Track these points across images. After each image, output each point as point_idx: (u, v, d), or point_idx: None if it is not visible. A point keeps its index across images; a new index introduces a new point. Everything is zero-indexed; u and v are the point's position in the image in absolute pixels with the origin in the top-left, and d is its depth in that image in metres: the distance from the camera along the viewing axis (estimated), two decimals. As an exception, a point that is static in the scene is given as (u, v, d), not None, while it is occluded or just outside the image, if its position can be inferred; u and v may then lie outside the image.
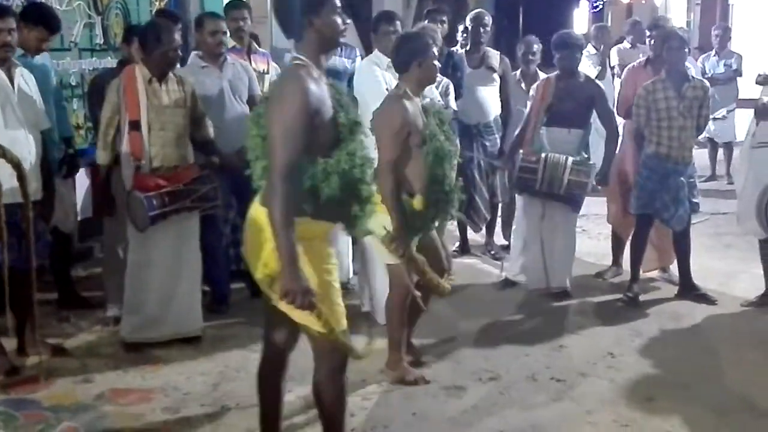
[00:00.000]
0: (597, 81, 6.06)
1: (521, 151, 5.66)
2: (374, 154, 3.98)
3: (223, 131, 5.15)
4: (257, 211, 2.98)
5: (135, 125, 4.55)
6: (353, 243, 5.34)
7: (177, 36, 4.71)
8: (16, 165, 4.02)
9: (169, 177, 4.60)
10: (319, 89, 2.91)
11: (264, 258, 2.92)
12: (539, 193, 5.48)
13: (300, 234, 2.86)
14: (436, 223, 4.22)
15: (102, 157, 4.72)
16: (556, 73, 5.65)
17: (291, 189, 2.80)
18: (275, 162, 2.81)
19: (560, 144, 5.49)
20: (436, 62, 4.16)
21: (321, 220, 2.97)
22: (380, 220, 3.89)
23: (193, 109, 4.79)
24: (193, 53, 5.59)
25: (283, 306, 2.94)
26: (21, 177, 4.04)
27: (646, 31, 6.10)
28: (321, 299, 2.93)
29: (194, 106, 4.80)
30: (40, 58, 5.05)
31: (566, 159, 5.35)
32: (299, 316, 2.96)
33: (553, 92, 5.55)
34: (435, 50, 4.19)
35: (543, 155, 5.39)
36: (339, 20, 3.05)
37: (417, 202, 4.02)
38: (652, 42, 5.99)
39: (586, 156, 5.53)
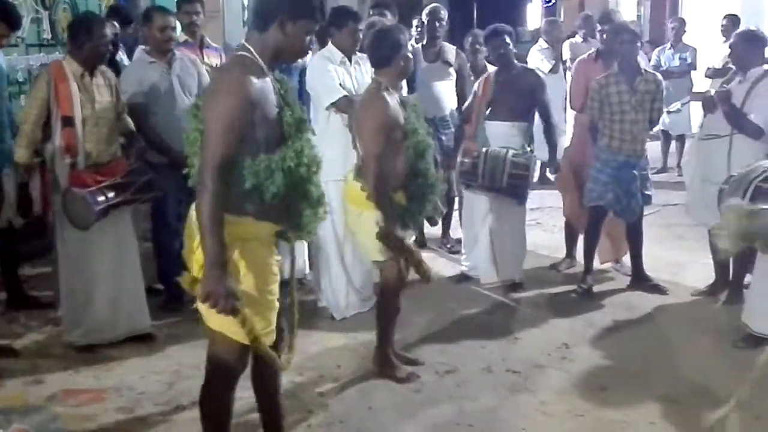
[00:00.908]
0: (549, 74, 6.11)
1: (462, 146, 5.71)
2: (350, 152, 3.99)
3: (172, 127, 5.07)
4: (194, 209, 2.83)
5: (68, 121, 4.43)
6: None
7: (107, 30, 4.64)
8: None
9: (104, 172, 4.51)
10: (262, 83, 2.78)
11: (200, 260, 2.77)
12: (482, 187, 5.50)
13: (239, 234, 2.77)
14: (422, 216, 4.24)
15: (25, 155, 4.54)
16: (495, 68, 5.69)
17: (223, 186, 2.67)
18: (207, 156, 2.67)
19: (504, 137, 5.52)
20: (409, 55, 4.16)
21: (264, 221, 2.86)
22: (369, 217, 3.89)
23: (117, 103, 4.72)
24: (140, 48, 5.50)
25: (202, 309, 2.83)
26: None
27: (597, 24, 6.15)
28: (251, 304, 2.82)
29: (118, 99, 4.73)
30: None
31: (506, 152, 5.38)
32: (216, 322, 2.84)
33: (494, 87, 5.59)
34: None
35: (483, 149, 5.42)
36: (306, 41, 2.92)
37: (399, 197, 4.02)
38: (603, 36, 6.05)
39: (530, 149, 5.56)
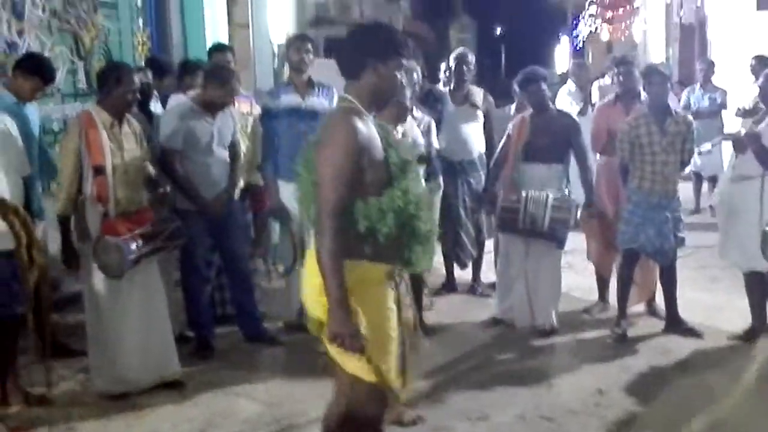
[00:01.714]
0: (577, 116, 6.12)
1: (502, 190, 5.70)
2: None
3: (206, 177, 5.17)
4: (311, 255, 2.93)
5: (99, 170, 4.48)
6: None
7: (136, 78, 4.71)
8: (15, 212, 3.93)
9: (134, 220, 4.56)
10: (368, 129, 2.90)
11: (325, 303, 2.85)
12: (522, 231, 5.48)
13: (358, 277, 2.85)
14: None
15: (67, 208, 4.56)
16: (529, 111, 5.71)
17: (341, 230, 2.79)
18: (324, 202, 2.80)
19: (540, 180, 5.53)
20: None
21: (379, 262, 2.93)
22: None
23: (143, 150, 4.78)
24: (182, 96, 5.55)
25: (336, 356, 2.93)
26: (14, 224, 3.97)
27: (614, 68, 6.17)
28: (374, 346, 2.88)
29: (143, 146, 4.78)
30: (26, 107, 5.05)
31: (547, 196, 5.38)
32: (349, 364, 2.92)
33: (530, 129, 5.60)
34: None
35: (524, 193, 5.42)
36: (400, 80, 3.01)
37: None
38: (620, 78, 6.05)
39: (566, 191, 5.55)
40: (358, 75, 2.95)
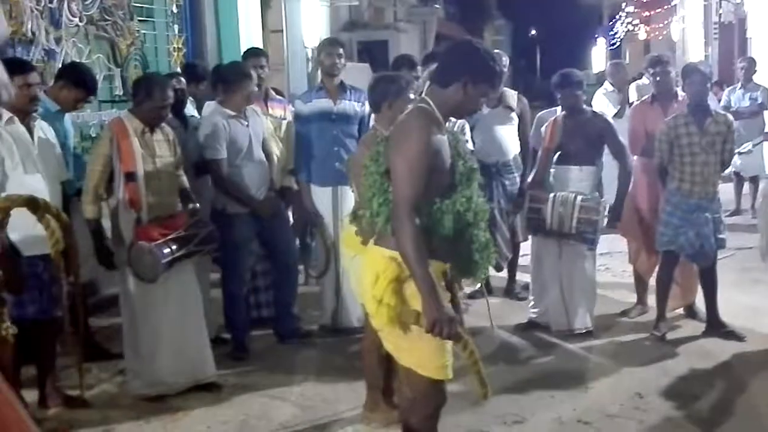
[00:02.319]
0: (614, 119, 6.05)
1: (530, 192, 5.66)
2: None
3: (251, 178, 5.23)
4: (371, 250, 3.05)
5: (131, 176, 4.52)
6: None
7: (169, 92, 4.72)
8: (57, 215, 3.95)
9: (167, 225, 4.59)
10: (441, 133, 2.98)
11: (378, 295, 2.93)
12: (551, 233, 5.43)
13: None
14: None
15: (93, 211, 4.60)
16: (563, 112, 5.66)
17: (416, 223, 2.86)
18: (400, 198, 2.88)
19: (573, 182, 5.48)
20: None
21: (434, 260, 2.97)
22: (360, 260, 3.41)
23: (176, 157, 4.81)
24: (215, 102, 5.59)
25: (393, 349, 3.04)
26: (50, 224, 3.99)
27: (649, 68, 6.07)
28: (428, 338, 2.93)
29: (176, 153, 4.81)
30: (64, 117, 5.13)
31: (575, 197, 5.33)
32: (408, 359, 3.02)
33: (561, 131, 5.54)
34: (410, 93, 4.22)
35: (551, 195, 5.37)
36: (481, 102, 3.12)
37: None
38: (657, 79, 5.96)
39: (597, 194, 5.49)
40: (447, 84, 3.03)
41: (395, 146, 2.95)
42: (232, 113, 5.21)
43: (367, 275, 3.02)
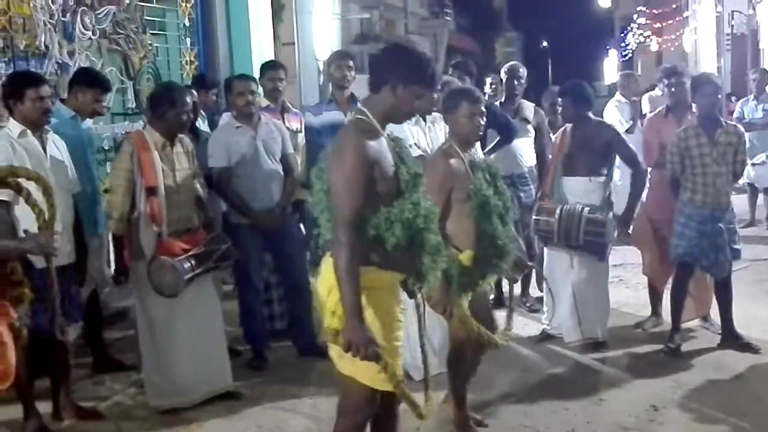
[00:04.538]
0: (625, 134, 6.04)
1: (538, 203, 5.64)
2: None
3: (257, 189, 5.23)
4: (326, 262, 3.03)
5: (152, 191, 4.51)
6: None
7: (188, 99, 4.75)
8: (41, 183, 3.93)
9: (186, 240, 4.60)
10: (377, 143, 2.97)
11: (331, 307, 2.96)
12: (559, 245, 5.42)
13: (366, 283, 2.91)
14: (486, 280, 4.16)
15: (121, 228, 4.60)
16: (571, 124, 5.65)
17: (356, 240, 2.87)
18: (339, 215, 2.89)
19: (582, 193, 5.45)
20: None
21: (388, 270, 3.01)
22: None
23: (194, 169, 4.82)
24: (227, 114, 5.65)
25: (334, 356, 3.03)
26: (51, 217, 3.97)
27: (664, 79, 6.04)
28: (384, 351, 2.96)
29: (194, 165, 4.83)
30: (84, 123, 5.15)
31: (581, 209, 5.30)
32: (349, 368, 3.01)
33: (570, 142, 5.53)
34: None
35: (559, 207, 5.36)
36: (416, 105, 3.06)
37: (465, 257, 3.97)
38: (672, 90, 5.94)
39: (606, 206, 5.45)
40: (377, 89, 3.03)
41: (332, 164, 2.97)
42: (238, 124, 5.26)
43: (322, 287, 3.04)
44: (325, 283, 3.01)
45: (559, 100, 6.40)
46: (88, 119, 5.22)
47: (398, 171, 3.03)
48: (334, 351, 3.05)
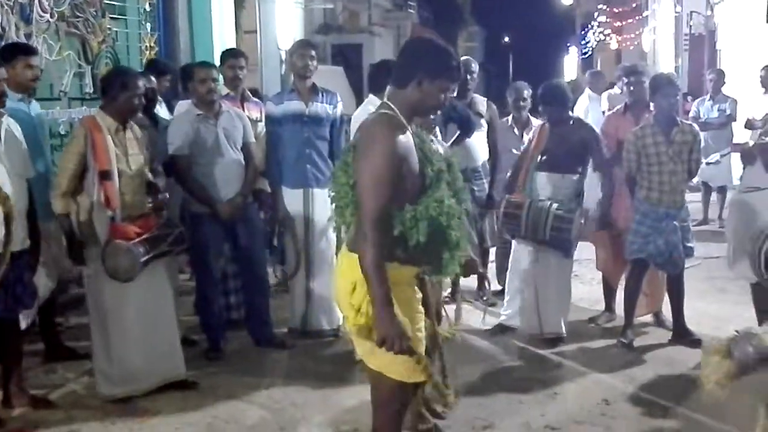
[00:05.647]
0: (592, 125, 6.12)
1: (507, 195, 5.68)
2: None
3: (217, 179, 5.20)
4: (346, 257, 3.00)
5: (106, 175, 4.46)
6: None
7: (141, 83, 4.69)
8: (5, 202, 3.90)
9: (140, 224, 4.55)
10: (405, 138, 2.93)
11: (356, 304, 2.92)
12: (526, 238, 5.47)
13: (390, 278, 2.88)
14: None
15: (62, 205, 4.54)
16: (550, 120, 5.69)
17: (382, 235, 2.84)
18: (366, 209, 2.84)
19: (554, 189, 5.51)
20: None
21: (408, 265, 2.99)
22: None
23: (146, 155, 4.77)
24: (186, 101, 5.58)
25: (361, 351, 3.01)
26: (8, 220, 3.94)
27: (624, 78, 6.12)
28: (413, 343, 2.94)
29: (146, 151, 4.78)
30: (33, 108, 5.03)
31: (550, 205, 5.37)
32: (377, 362, 2.98)
33: (548, 138, 5.58)
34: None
35: (527, 201, 5.40)
36: (442, 98, 3.04)
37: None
38: (631, 88, 6.02)
39: (575, 203, 5.52)
40: (404, 85, 2.99)
41: (360, 157, 2.92)
42: (199, 112, 5.23)
43: (344, 282, 2.99)
44: (348, 279, 2.95)
45: (524, 97, 6.51)
46: (35, 103, 5.09)
47: (424, 167, 3.00)
48: (362, 347, 3.01)
